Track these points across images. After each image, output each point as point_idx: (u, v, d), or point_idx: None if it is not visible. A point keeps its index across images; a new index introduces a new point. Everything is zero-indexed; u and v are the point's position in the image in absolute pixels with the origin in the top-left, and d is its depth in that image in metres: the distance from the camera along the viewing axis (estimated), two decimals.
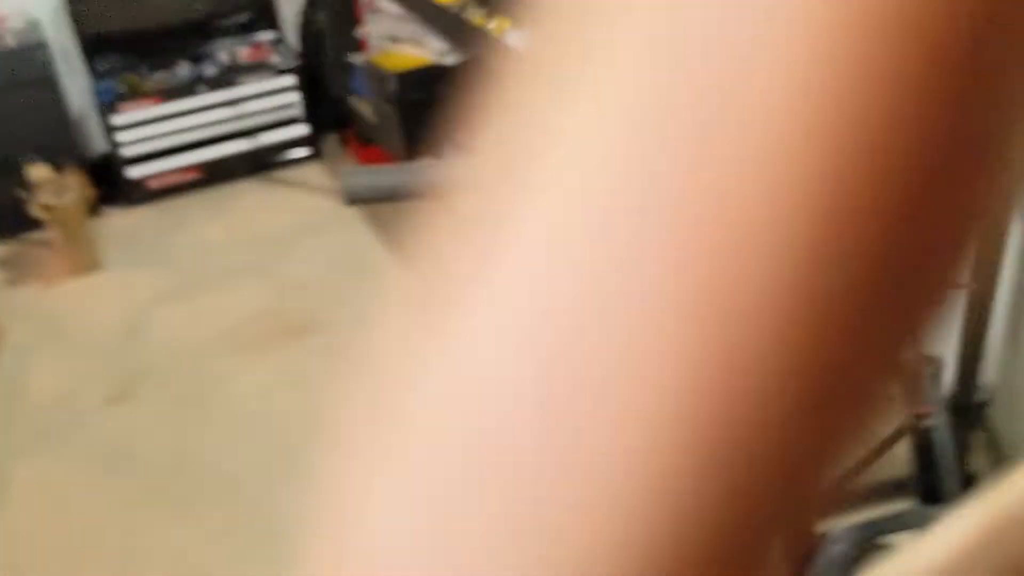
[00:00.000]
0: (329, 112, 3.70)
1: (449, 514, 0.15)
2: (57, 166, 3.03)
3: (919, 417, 0.97)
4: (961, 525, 0.29)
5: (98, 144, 3.49)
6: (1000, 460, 1.75)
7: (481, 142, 0.16)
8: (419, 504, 0.16)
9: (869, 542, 0.98)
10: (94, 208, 3.26)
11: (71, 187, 3.03)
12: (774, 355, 0.14)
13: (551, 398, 0.14)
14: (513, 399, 0.15)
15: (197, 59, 3.55)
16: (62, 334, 2.84)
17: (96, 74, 3.37)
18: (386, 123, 2.92)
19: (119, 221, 3.42)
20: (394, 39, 2.90)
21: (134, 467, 2.30)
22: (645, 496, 0.14)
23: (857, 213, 0.13)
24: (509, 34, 1.99)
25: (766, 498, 0.15)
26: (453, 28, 2.32)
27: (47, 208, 2.98)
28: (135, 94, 3.37)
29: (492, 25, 2.06)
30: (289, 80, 3.51)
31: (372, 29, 3.08)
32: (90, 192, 3.13)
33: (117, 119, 3.34)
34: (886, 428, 1.05)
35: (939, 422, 0.96)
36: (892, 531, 0.97)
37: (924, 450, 0.98)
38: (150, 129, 3.40)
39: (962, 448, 1.77)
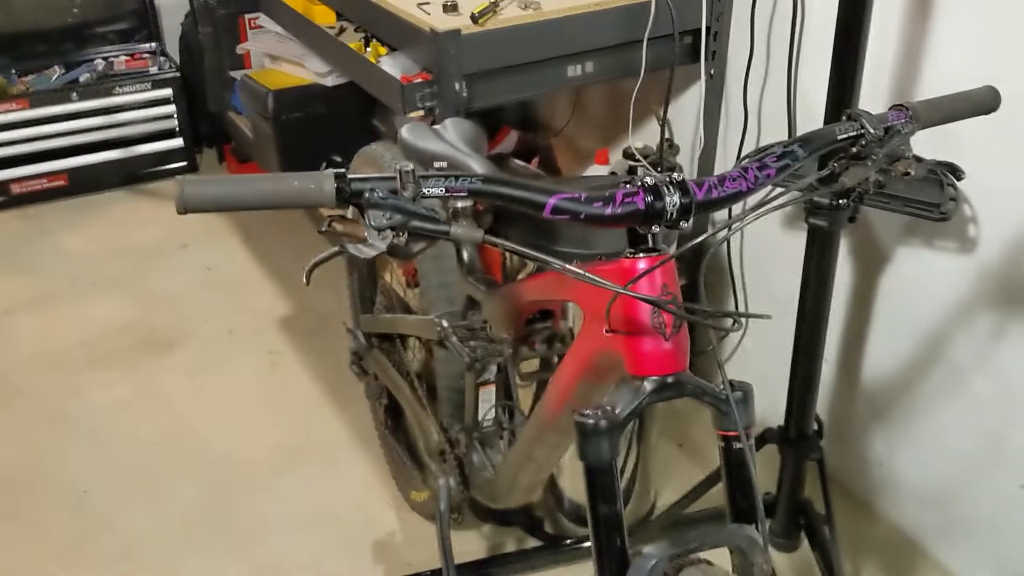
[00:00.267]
0: (207, 126, 3.66)
1: None
2: None
3: (728, 440, 1.04)
4: None
5: None
6: (831, 489, 1.86)
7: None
8: None
9: (680, 558, 1.04)
10: None
11: None
12: None
13: None
14: None
15: (72, 65, 3.46)
16: None
17: None
18: (262, 140, 2.91)
19: None
20: (274, 57, 2.90)
21: None
22: None
23: None
24: (383, 60, 2.02)
25: None
26: (330, 51, 2.35)
27: None
28: (1, 97, 3.26)
29: (368, 51, 2.10)
30: (166, 92, 3.46)
31: (253, 46, 3.07)
32: None
33: None
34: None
35: (747, 445, 1.03)
36: (702, 548, 1.04)
37: (733, 472, 1.05)
38: (15, 133, 3.29)
39: (796, 477, 1.88)
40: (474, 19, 1.82)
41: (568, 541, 1.96)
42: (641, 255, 1.00)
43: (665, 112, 2.04)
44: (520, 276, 1.62)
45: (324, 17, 2.35)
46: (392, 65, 1.98)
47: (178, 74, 3.49)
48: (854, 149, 1.04)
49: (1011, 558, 1.78)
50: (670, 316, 1.00)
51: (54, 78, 3.40)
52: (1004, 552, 1.79)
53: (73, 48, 3.52)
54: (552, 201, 0.93)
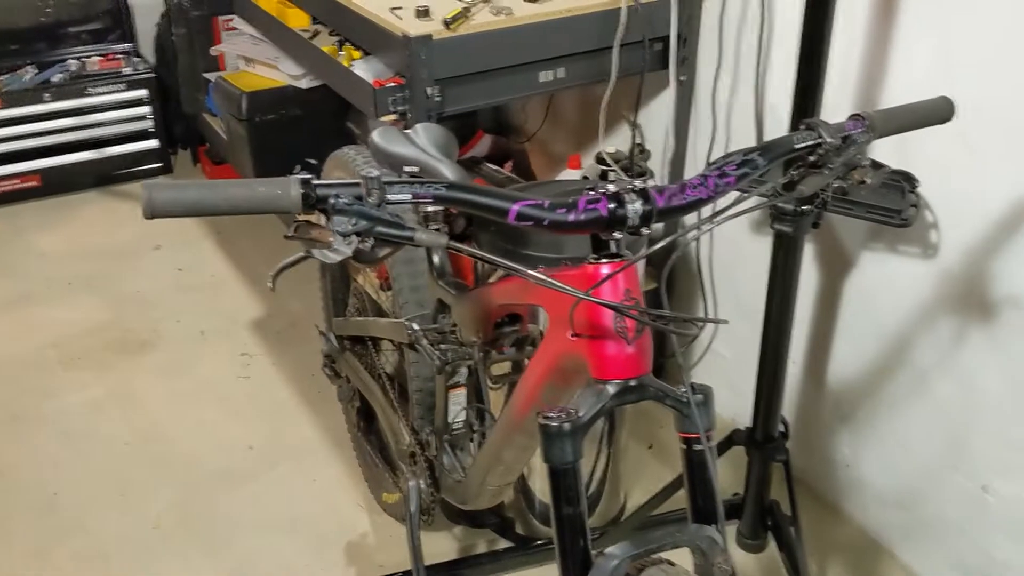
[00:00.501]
0: (181, 128, 3.66)
1: None
2: None
3: (689, 442, 1.06)
4: None
5: None
6: (798, 490, 1.89)
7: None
8: None
9: (642, 558, 1.06)
10: None
11: None
12: None
13: None
14: None
15: (45, 65, 3.44)
16: None
17: None
18: (237, 142, 2.91)
19: None
20: (248, 60, 2.90)
21: None
22: None
23: None
24: (356, 64, 2.03)
25: None
26: (304, 54, 2.35)
27: None
28: None
29: (341, 55, 2.11)
30: (141, 93, 3.45)
31: (227, 48, 3.06)
32: None
33: None
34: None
35: (708, 447, 1.06)
36: (663, 548, 1.06)
37: (694, 473, 1.07)
38: None
39: (762, 479, 1.91)
40: (446, 24, 1.84)
41: (539, 542, 1.98)
42: (604, 261, 1.02)
43: (636, 117, 2.06)
44: (491, 280, 1.64)
45: (298, 20, 2.36)
46: (365, 69, 1.99)
47: (152, 75, 3.48)
48: (812, 158, 1.07)
49: (974, 559, 1.82)
50: (632, 321, 1.01)
51: (27, 78, 3.38)
52: (967, 553, 1.83)
53: (46, 48, 3.50)
54: (516, 208, 0.95)
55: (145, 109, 3.48)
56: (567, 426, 1.02)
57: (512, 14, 1.90)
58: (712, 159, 2.12)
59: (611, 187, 0.99)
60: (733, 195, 1.04)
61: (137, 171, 3.54)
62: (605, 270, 1.00)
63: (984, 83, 1.54)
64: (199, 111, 3.31)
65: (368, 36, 2.01)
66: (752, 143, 1.78)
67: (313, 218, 0.90)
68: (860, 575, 1.96)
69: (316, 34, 2.28)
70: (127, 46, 3.60)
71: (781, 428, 1.86)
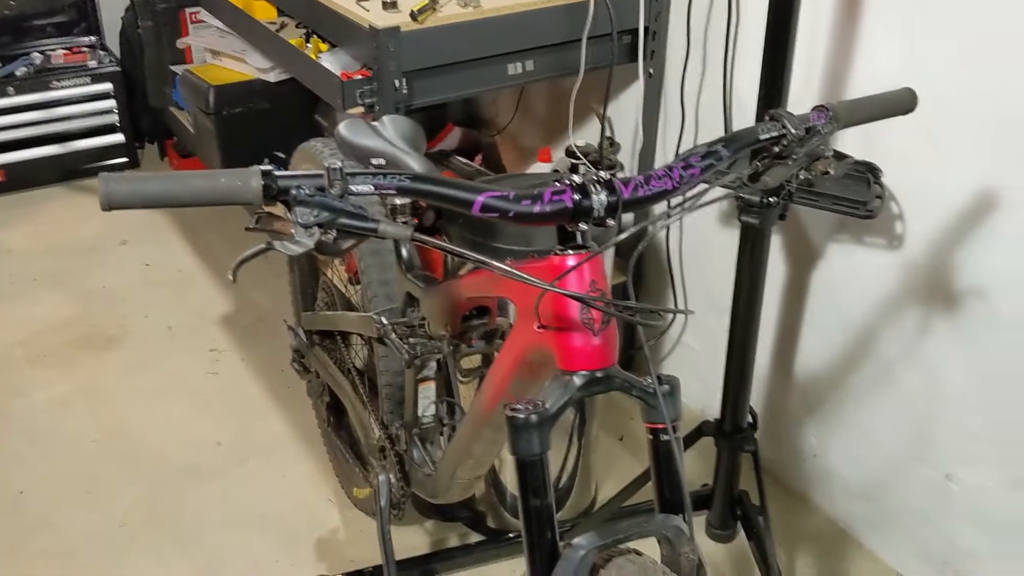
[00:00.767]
0: (148, 122, 3.62)
1: None
2: None
3: (656, 433, 1.07)
4: None
5: None
6: (767, 481, 1.90)
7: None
8: None
9: (609, 548, 1.07)
10: None
11: None
12: None
13: None
14: None
15: (8, 58, 3.39)
16: None
17: None
18: (204, 136, 2.88)
19: None
20: (216, 53, 2.87)
21: None
22: None
23: None
24: (323, 57, 2.02)
25: None
26: (271, 46, 2.33)
27: None
28: None
29: (308, 47, 2.09)
30: (106, 86, 3.41)
31: (194, 41, 3.04)
32: None
33: None
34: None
35: (674, 438, 1.06)
36: (630, 538, 1.06)
37: (661, 463, 1.08)
38: None
39: (731, 469, 1.92)
40: (413, 16, 1.83)
41: (510, 535, 1.98)
42: (570, 252, 1.02)
43: (605, 110, 2.06)
44: (460, 273, 1.63)
45: (264, 12, 2.34)
46: (332, 61, 1.98)
47: (118, 68, 3.44)
48: (777, 149, 1.07)
49: (938, 547, 1.84)
50: (598, 312, 1.01)
51: None
52: (932, 541, 1.85)
53: (10, 41, 3.45)
54: (480, 199, 0.95)
55: (111, 103, 3.44)
56: (534, 418, 1.02)
57: (480, 6, 1.90)
58: (681, 151, 2.14)
59: (576, 178, 0.99)
60: (702, 187, 1.04)
61: (103, 165, 3.49)
62: (571, 261, 1.00)
63: (947, 74, 1.55)
64: (166, 105, 3.28)
65: (335, 28, 1.99)
66: (720, 135, 1.79)
67: (276, 210, 0.90)
68: (828, 564, 1.98)
69: (283, 26, 2.26)
70: (92, 39, 3.55)
71: (749, 419, 1.87)
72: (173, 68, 3.17)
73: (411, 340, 1.54)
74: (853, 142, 1.71)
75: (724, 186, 1.13)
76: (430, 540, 2.02)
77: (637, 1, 1.97)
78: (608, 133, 2.24)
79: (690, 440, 1.91)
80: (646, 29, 2.02)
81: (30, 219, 3.27)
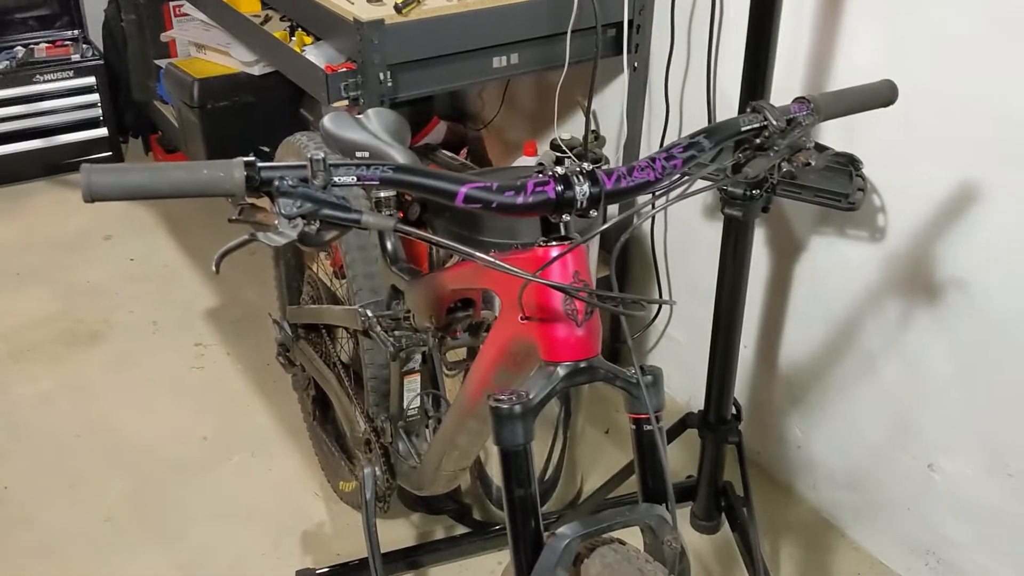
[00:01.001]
0: (132, 116, 3.60)
1: None
2: None
3: (639, 423, 1.07)
4: None
5: None
6: (751, 472, 1.91)
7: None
8: None
9: (592, 538, 1.07)
10: None
11: None
12: None
13: None
14: None
15: None
16: None
17: None
18: (189, 130, 2.87)
19: None
20: (200, 46, 2.86)
21: None
22: None
23: None
24: (308, 50, 2.02)
25: None
26: (255, 39, 2.33)
27: None
28: None
29: (293, 40, 2.09)
30: (89, 80, 3.39)
31: (178, 34, 3.02)
32: None
33: None
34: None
35: (657, 428, 1.07)
36: (613, 528, 1.07)
37: (644, 453, 1.08)
38: None
39: (715, 461, 1.93)
40: (398, 9, 1.83)
41: (496, 527, 1.99)
42: (553, 243, 1.02)
43: (589, 104, 2.07)
44: (446, 266, 1.64)
45: (249, 5, 2.33)
46: (317, 55, 1.98)
47: (101, 62, 3.42)
48: (758, 140, 1.08)
49: (921, 536, 1.86)
50: (582, 303, 1.02)
51: None
52: (914, 530, 1.86)
53: None
54: (464, 190, 0.95)
55: (94, 97, 3.42)
56: (518, 408, 1.02)
57: None
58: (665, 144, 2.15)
59: (559, 170, 0.99)
60: (686, 180, 1.05)
61: (86, 160, 3.47)
62: (554, 252, 1.01)
63: (928, 67, 1.56)
64: (150, 98, 3.27)
65: (320, 21, 1.99)
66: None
67: (259, 202, 0.90)
68: (812, 554, 2.00)
69: (267, 19, 2.26)
70: (75, 32, 3.53)
71: (733, 411, 1.88)
72: (157, 62, 3.15)
73: (396, 333, 1.54)
74: (835, 135, 1.72)
75: (707, 178, 1.13)
76: (416, 533, 2.03)
77: None
78: (593, 127, 2.24)
79: (674, 432, 1.92)
80: (630, 22, 2.02)
81: (13, 214, 3.25)
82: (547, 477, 2.00)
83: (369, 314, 1.56)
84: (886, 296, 1.78)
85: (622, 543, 1.07)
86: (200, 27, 2.84)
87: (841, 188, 1.61)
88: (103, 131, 3.47)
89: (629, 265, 2.36)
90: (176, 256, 3.01)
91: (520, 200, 0.97)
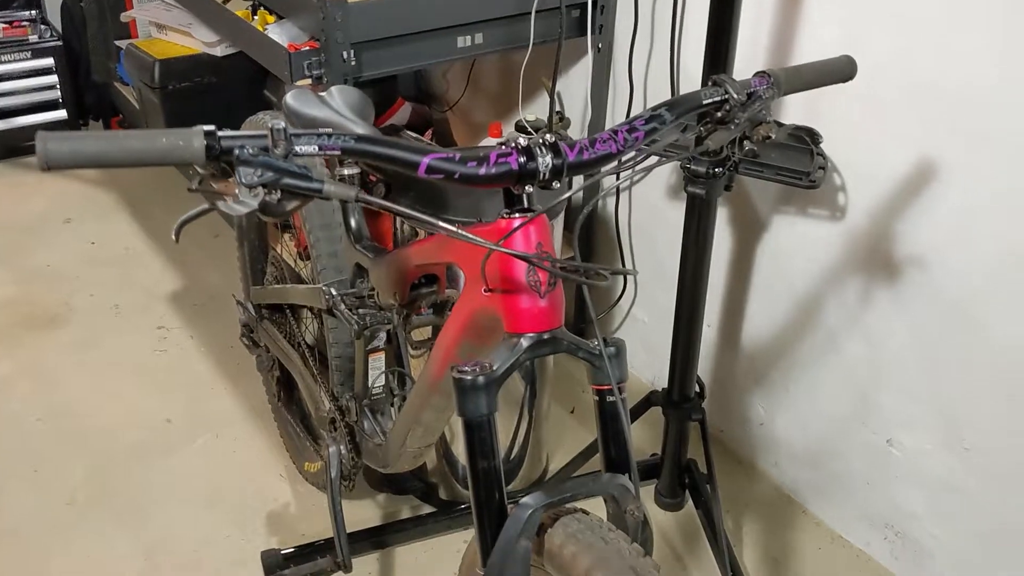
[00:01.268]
0: (92, 97, 3.55)
1: None
2: None
3: (602, 394, 1.08)
4: None
5: None
6: (715, 450, 1.93)
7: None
8: None
9: (556, 507, 1.08)
10: None
11: None
12: None
13: None
14: None
15: None
16: None
17: None
18: (150, 111, 2.84)
19: None
20: (161, 26, 2.83)
21: None
22: None
23: None
24: (271, 29, 2.00)
25: None
26: (217, 19, 2.30)
27: None
28: None
29: (255, 19, 2.07)
30: (47, 62, 3.33)
31: (139, 14, 2.98)
32: None
33: None
34: None
35: (620, 399, 1.07)
36: (577, 497, 1.08)
37: (607, 424, 1.09)
38: None
39: (679, 438, 1.95)
40: None
41: (462, 506, 1.99)
42: (516, 215, 1.02)
43: (554, 85, 2.07)
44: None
45: None
46: (279, 33, 1.96)
47: (60, 43, 3.37)
48: (719, 114, 1.09)
49: (879, 510, 1.89)
50: (545, 274, 1.02)
51: None
52: (873, 503, 1.90)
53: None
54: (426, 160, 0.95)
55: (52, 78, 3.37)
56: (481, 379, 1.03)
57: None
58: None
59: (522, 141, 0.99)
60: (652, 160, 1.06)
61: None
62: (517, 223, 1.01)
63: (887, 44, 1.58)
64: (110, 80, 3.23)
65: None
66: None
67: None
68: (773, 530, 2.02)
69: None
70: (33, 13, 3.48)
71: (697, 389, 1.90)
72: (117, 43, 3.11)
73: (360, 311, 1.54)
74: (796, 115, 1.74)
75: (669, 151, 1.14)
76: (382, 513, 2.03)
77: None
78: (558, 108, 2.25)
79: (639, 410, 1.94)
80: (594, 2, 2.03)
81: None
82: (512, 456, 2.01)
83: (333, 292, 1.56)
84: (847, 274, 1.80)
85: (585, 513, 1.08)
86: (161, 7, 2.80)
87: (802, 166, 1.63)
88: (62, 113, 3.42)
89: (593, 246, 2.37)
90: (138, 239, 2.98)
91: (483, 171, 0.97)
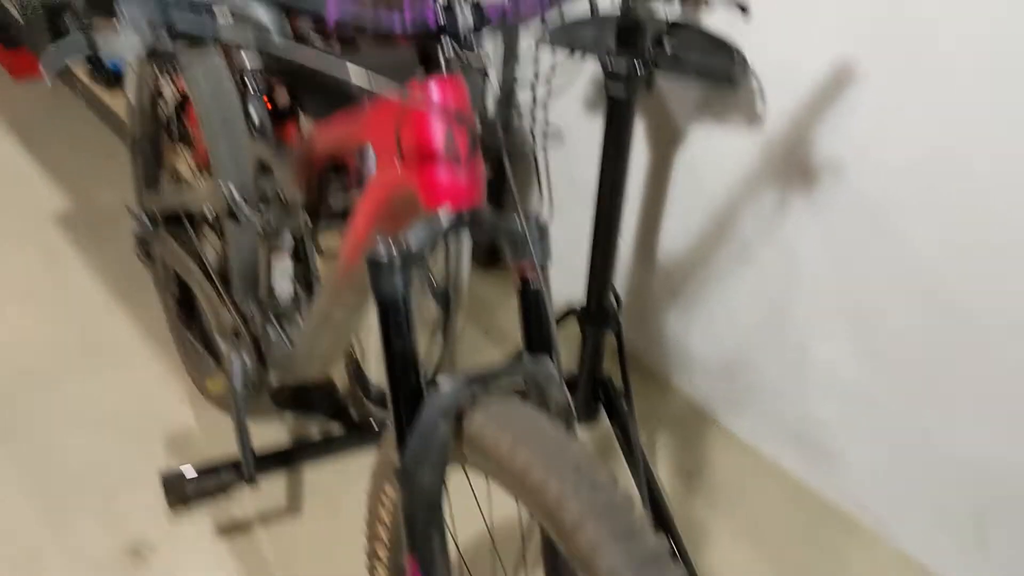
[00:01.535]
0: None
1: None
2: None
3: (523, 275, 1.03)
4: None
5: None
6: (631, 366, 1.92)
7: None
8: None
9: (475, 388, 1.03)
10: None
11: None
12: None
13: None
14: None
15: None
16: None
17: None
18: (35, 23, 2.65)
19: None
20: None
21: None
22: None
23: None
24: None
25: None
26: None
27: None
28: None
29: None
30: None
31: None
32: None
33: None
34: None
35: (542, 276, 1.03)
36: (498, 378, 1.03)
37: (529, 304, 1.04)
38: None
39: (595, 353, 1.92)
40: None
41: (373, 425, 1.94)
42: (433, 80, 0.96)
43: None
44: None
45: None
46: None
47: None
48: None
49: (790, 420, 1.90)
50: (464, 141, 0.96)
51: None
52: (785, 414, 1.91)
53: None
54: (335, 6, 0.87)
55: None
56: (396, 258, 0.97)
57: None
58: None
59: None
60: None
61: None
62: (433, 84, 0.95)
63: None
64: None
65: None
66: None
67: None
68: (687, 444, 2.03)
69: None
70: None
71: (613, 302, 1.87)
72: None
73: (262, 208, 1.46)
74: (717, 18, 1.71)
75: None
76: (292, 437, 1.95)
77: None
78: None
79: (558, 319, 1.90)
80: None
81: None
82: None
83: (232, 189, 1.47)
84: (763, 184, 1.79)
85: (507, 396, 1.03)
86: None
87: (722, 66, 1.60)
88: None
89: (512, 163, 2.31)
90: (24, 162, 2.80)
91: (398, 23, 0.90)
